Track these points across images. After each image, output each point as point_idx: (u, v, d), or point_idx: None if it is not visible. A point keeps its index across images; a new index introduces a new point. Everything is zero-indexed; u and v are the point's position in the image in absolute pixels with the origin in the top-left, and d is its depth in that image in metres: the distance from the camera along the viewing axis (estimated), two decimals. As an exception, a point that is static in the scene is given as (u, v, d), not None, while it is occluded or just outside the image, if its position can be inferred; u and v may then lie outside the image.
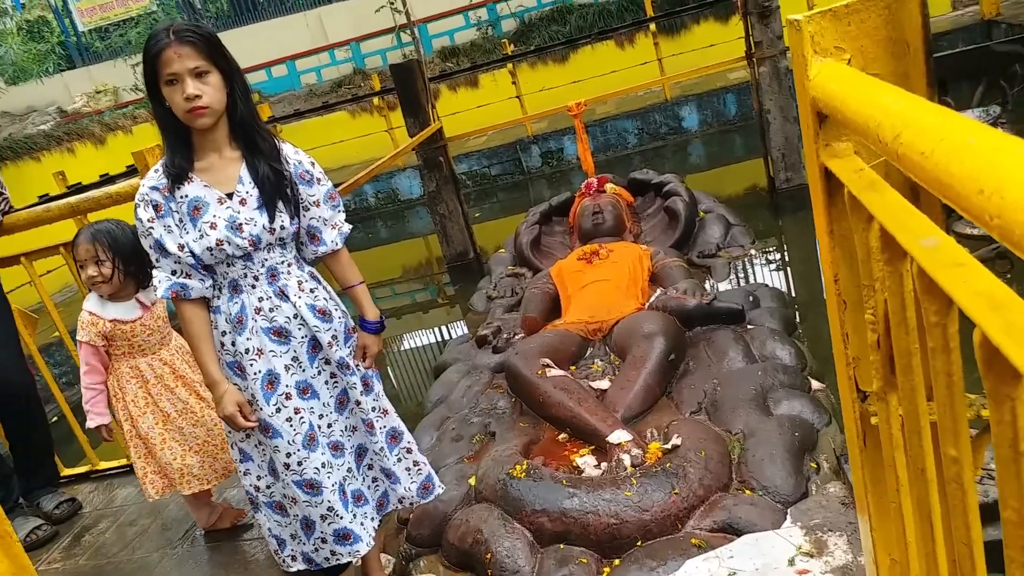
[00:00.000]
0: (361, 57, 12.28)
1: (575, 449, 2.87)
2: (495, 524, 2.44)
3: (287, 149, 1.93)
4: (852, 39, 1.03)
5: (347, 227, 2.02)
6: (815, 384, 3.13)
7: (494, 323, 4.29)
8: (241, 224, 1.82)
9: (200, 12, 12.71)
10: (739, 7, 5.79)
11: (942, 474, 0.87)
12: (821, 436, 2.73)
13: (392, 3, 10.70)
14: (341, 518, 1.95)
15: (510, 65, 9.46)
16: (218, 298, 1.90)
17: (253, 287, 1.88)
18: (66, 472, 3.01)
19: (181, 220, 1.83)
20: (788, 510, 2.30)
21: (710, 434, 2.68)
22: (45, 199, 4.34)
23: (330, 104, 10.06)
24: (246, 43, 12.16)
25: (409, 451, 2.13)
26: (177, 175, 1.82)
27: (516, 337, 4.00)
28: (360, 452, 2.07)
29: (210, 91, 1.75)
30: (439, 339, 5.88)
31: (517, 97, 9.20)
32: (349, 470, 2.02)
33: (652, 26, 9.35)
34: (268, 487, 2.00)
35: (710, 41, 9.33)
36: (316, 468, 1.91)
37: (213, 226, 1.81)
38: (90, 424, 2.26)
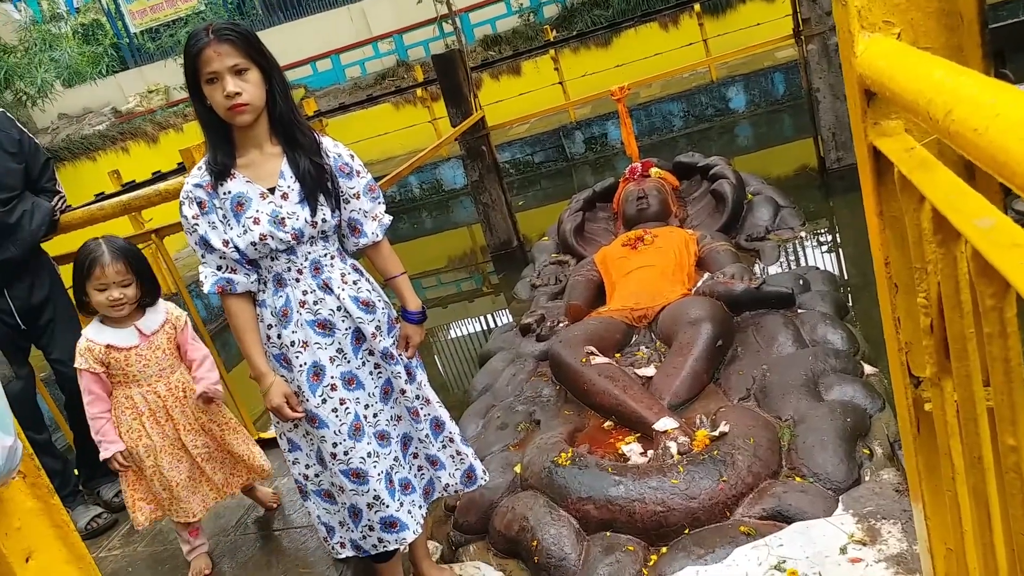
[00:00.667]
0: (404, 49, 12.32)
1: (621, 437, 2.85)
2: (541, 512, 2.44)
3: (327, 143, 1.94)
4: (902, 12, 0.99)
5: (387, 218, 2.03)
6: (868, 368, 3.05)
7: (538, 311, 4.29)
8: (284, 218, 1.84)
9: (246, 10, 12.91)
10: (786, -16, 5.63)
11: (1000, 462, 0.84)
12: (874, 421, 2.67)
13: (433, -7, 10.71)
14: (387, 506, 1.97)
15: (552, 51, 9.39)
16: (263, 292, 1.93)
17: (297, 280, 1.91)
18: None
19: (225, 216, 1.86)
20: (840, 497, 2.25)
21: (759, 420, 2.64)
22: (101, 197, 4.49)
23: (374, 97, 10.14)
24: (291, 39, 12.32)
25: (452, 440, 2.15)
26: (220, 172, 1.85)
27: (560, 325, 3.98)
28: (405, 441, 2.10)
29: (250, 88, 1.77)
30: (484, 328, 5.90)
31: (560, 83, 9.14)
32: (396, 459, 2.05)
33: (696, 7, 9.17)
34: (316, 476, 2.03)
35: (756, 20, 9.12)
36: (362, 458, 1.94)
37: (256, 221, 1.84)
38: (104, 455, 2.16)
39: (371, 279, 2.04)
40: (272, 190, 1.86)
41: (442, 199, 10.05)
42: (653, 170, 5.35)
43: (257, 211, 1.85)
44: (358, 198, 1.95)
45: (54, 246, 2.83)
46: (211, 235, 1.86)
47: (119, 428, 2.18)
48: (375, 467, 1.96)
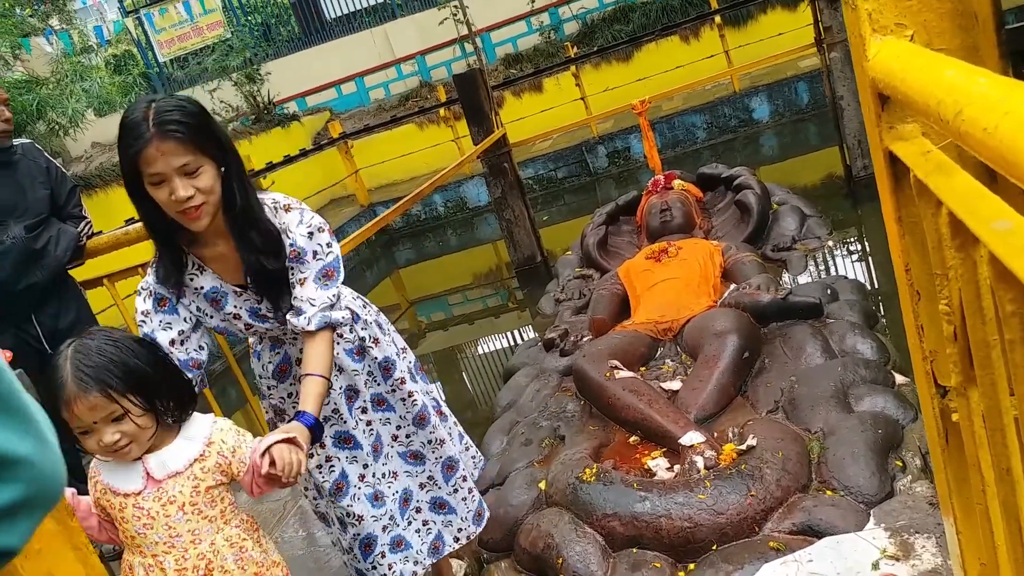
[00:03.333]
0: (427, 70, 12.45)
1: (646, 452, 2.82)
2: (566, 528, 2.41)
3: (290, 220, 1.69)
4: (914, 14, 0.97)
5: (337, 314, 1.71)
6: (899, 378, 2.99)
7: (562, 326, 4.27)
8: (263, 313, 1.75)
9: (272, 37, 13.14)
10: (806, -8, 5.60)
11: (1028, 474, 0.81)
12: (907, 433, 2.60)
13: (455, 15, 10.82)
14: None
15: (573, 67, 9.42)
16: (259, 345, 1.87)
17: (295, 340, 1.84)
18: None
19: (199, 308, 1.72)
20: (871, 511, 2.20)
21: (788, 433, 2.59)
22: (131, 222, 4.57)
23: (398, 118, 10.25)
24: (316, 63, 12.52)
25: (465, 479, 2.09)
26: (175, 282, 1.66)
27: (584, 339, 3.96)
28: (406, 497, 2.02)
29: (203, 187, 1.54)
30: (510, 343, 5.89)
31: (581, 99, 9.16)
32: (391, 518, 1.98)
33: (717, 18, 9.16)
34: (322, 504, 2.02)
35: (778, 29, 9.07)
36: (347, 506, 1.91)
37: (237, 316, 1.74)
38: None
39: (369, 320, 1.94)
40: (245, 287, 1.73)
41: (466, 217, 10.09)
42: (676, 182, 5.32)
43: (235, 306, 1.73)
44: (303, 284, 1.69)
45: (81, 272, 2.88)
46: (159, 335, 1.66)
47: None
48: (355, 527, 1.92)
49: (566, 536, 2.38)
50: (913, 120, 1.00)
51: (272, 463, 1.43)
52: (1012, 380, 0.77)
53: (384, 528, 1.96)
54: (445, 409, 2.14)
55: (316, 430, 1.59)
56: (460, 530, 2.10)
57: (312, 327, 1.68)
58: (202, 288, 1.69)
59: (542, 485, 2.71)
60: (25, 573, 1.07)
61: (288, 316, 1.72)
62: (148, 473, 1.43)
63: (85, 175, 7.95)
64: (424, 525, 2.05)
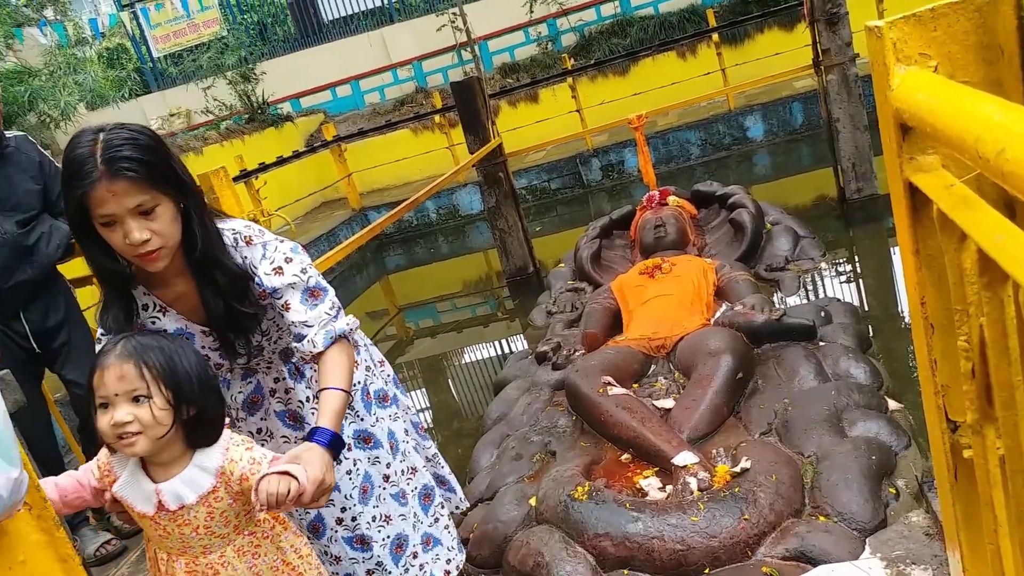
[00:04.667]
0: (423, 75, 12.44)
1: (638, 470, 2.79)
2: (556, 547, 2.38)
3: (253, 255, 1.58)
4: (939, 45, 0.96)
5: (342, 323, 1.62)
6: (892, 404, 2.98)
7: (554, 339, 4.24)
8: (236, 350, 1.66)
9: (268, 36, 13.09)
10: (805, 14, 5.63)
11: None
12: (900, 459, 2.59)
13: (453, 22, 10.82)
14: None
15: (570, 79, 9.43)
16: (230, 374, 1.76)
17: (268, 368, 1.77)
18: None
19: None
20: (867, 540, 2.18)
21: (781, 456, 2.58)
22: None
23: (393, 122, 10.21)
24: (312, 64, 12.48)
25: (443, 506, 2.01)
26: (120, 331, 1.50)
27: (576, 353, 3.94)
28: (399, 543, 1.90)
29: (160, 228, 1.41)
30: (499, 354, 5.86)
31: (577, 111, 9.17)
32: (379, 563, 1.86)
33: (715, 36, 9.20)
34: None
35: (775, 50, 9.13)
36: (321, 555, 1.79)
37: (208, 357, 1.62)
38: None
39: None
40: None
41: (458, 224, 10.07)
42: (671, 198, 5.32)
43: (203, 346, 1.63)
44: (288, 308, 1.59)
45: (70, 269, 2.83)
46: None
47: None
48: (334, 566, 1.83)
49: (556, 555, 2.35)
50: (934, 152, 0.99)
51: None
52: (1039, 423, 0.75)
53: (368, 572, 1.86)
54: (417, 435, 2.04)
55: (336, 446, 1.47)
56: (448, 561, 2.02)
57: (320, 348, 1.57)
58: (165, 332, 1.57)
59: (532, 501, 2.68)
60: (9, 587, 1.03)
61: (293, 346, 1.63)
62: (160, 502, 1.39)
63: (75, 169, 7.88)
64: (421, 569, 1.94)
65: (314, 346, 1.57)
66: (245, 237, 1.57)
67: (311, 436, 1.47)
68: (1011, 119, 0.65)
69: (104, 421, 1.34)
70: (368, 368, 1.92)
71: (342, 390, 1.54)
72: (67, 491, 1.42)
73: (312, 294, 1.60)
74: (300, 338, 1.59)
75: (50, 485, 1.41)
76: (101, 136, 1.36)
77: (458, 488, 2.15)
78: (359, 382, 1.85)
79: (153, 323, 1.57)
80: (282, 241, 1.62)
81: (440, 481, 2.06)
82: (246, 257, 1.56)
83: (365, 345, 1.95)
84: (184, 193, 1.46)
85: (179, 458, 1.41)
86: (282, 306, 1.59)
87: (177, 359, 1.37)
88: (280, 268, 1.57)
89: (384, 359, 2.02)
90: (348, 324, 1.63)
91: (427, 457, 2.04)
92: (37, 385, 2.76)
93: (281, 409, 1.75)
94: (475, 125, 6.28)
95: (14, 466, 1.01)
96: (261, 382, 1.77)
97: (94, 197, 1.34)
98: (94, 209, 1.36)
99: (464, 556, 2.09)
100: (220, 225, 1.57)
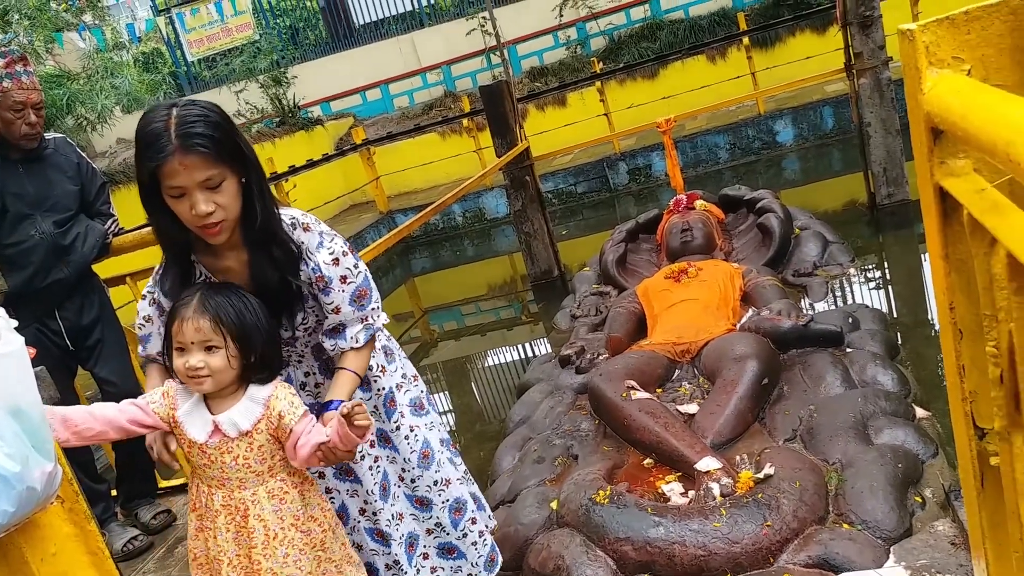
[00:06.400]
0: (452, 79, 12.50)
1: (661, 475, 2.78)
2: (577, 551, 2.38)
3: (310, 242, 1.64)
4: (972, 48, 0.95)
5: (380, 319, 1.73)
6: (920, 412, 2.94)
7: (578, 343, 4.24)
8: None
9: (300, 41, 13.25)
10: (838, 18, 5.57)
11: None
12: (927, 468, 2.56)
13: (483, 26, 10.86)
14: None
15: (598, 83, 9.42)
16: None
17: (300, 361, 1.81)
18: (163, 484, 3.13)
19: None
20: (891, 548, 2.15)
21: (805, 463, 2.55)
22: (153, 219, 4.59)
23: (421, 126, 10.28)
24: (343, 68, 12.59)
25: (474, 521, 2.00)
26: (175, 296, 1.59)
27: (600, 357, 3.93)
28: (412, 541, 1.93)
29: (225, 202, 1.49)
30: (523, 357, 5.86)
31: (605, 115, 9.15)
32: (396, 562, 1.89)
33: (745, 40, 9.13)
34: None
35: (806, 53, 9.04)
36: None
37: None
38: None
39: (379, 344, 1.88)
40: None
41: (484, 227, 10.10)
42: (698, 202, 5.29)
43: None
44: (338, 312, 1.67)
45: (104, 269, 2.89)
46: (154, 339, 1.67)
47: (204, 522, 1.61)
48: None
49: (577, 558, 2.35)
50: (966, 156, 0.98)
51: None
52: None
53: (387, 567, 1.89)
54: (450, 451, 2.05)
55: None
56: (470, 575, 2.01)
57: (361, 343, 1.69)
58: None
59: (554, 505, 2.68)
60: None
61: (325, 341, 1.71)
62: (218, 428, 1.54)
63: (109, 171, 8.03)
64: (432, 572, 1.96)
65: (356, 342, 1.68)
66: (303, 224, 1.66)
67: (327, 407, 1.60)
68: (1041, 122, 0.64)
69: (180, 362, 1.51)
70: (403, 376, 1.94)
71: (357, 375, 1.69)
72: (76, 422, 1.45)
73: (360, 295, 1.69)
74: (340, 331, 1.68)
75: (56, 415, 1.41)
76: (175, 112, 1.44)
77: (487, 507, 2.14)
78: (384, 388, 1.88)
79: None
80: (334, 236, 1.70)
81: (473, 499, 2.07)
82: (303, 242, 1.64)
83: (399, 356, 1.98)
84: (247, 169, 1.54)
85: (235, 393, 1.58)
86: (332, 309, 1.67)
87: (246, 312, 1.54)
88: (337, 260, 1.66)
89: (417, 374, 2.02)
90: (384, 321, 1.76)
91: (458, 477, 2.04)
92: (71, 382, 2.82)
93: (311, 402, 1.76)
94: (503, 129, 6.30)
95: (49, 460, 1.04)
96: (292, 375, 1.79)
97: (167, 169, 1.42)
98: (165, 180, 1.44)
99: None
100: (278, 211, 1.66)
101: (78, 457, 2.68)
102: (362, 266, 1.72)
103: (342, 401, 1.61)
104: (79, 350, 2.75)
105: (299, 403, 1.59)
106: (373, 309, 1.72)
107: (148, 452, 1.62)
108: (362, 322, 1.70)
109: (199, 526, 1.62)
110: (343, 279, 1.66)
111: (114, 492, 2.93)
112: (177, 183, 1.44)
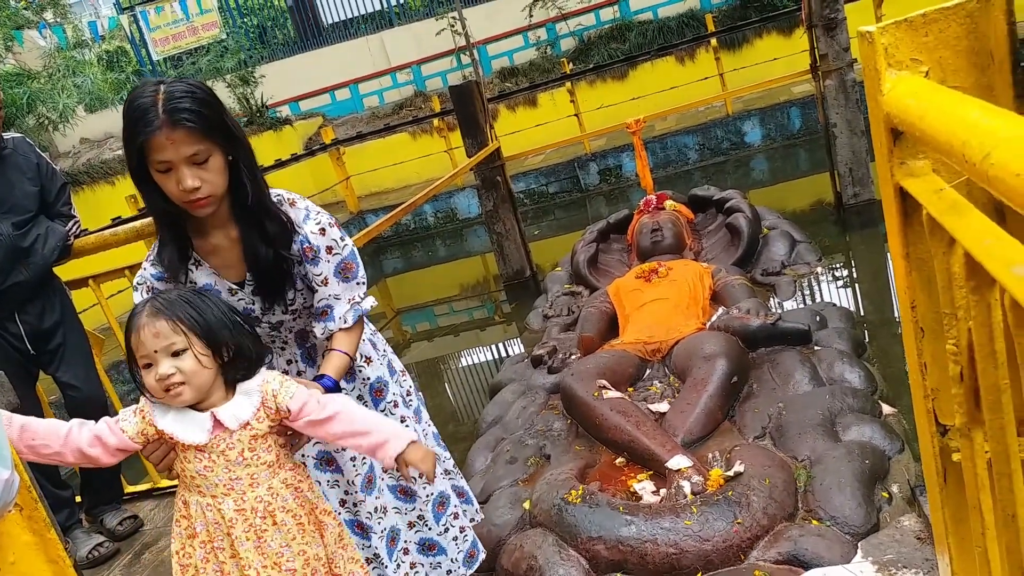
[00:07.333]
0: (422, 79, 12.44)
1: (633, 474, 2.80)
2: (550, 551, 2.38)
3: (296, 216, 1.68)
4: (930, 50, 0.96)
5: (367, 302, 1.76)
6: (886, 408, 2.99)
7: (550, 343, 4.25)
8: (258, 316, 1.71)
9: (268, 39, 13.10)
10: (803, 20, 5.65)
11: (1037, 522, 0.80)
12: (893, 464, 2.60)
13: (452, 26, 10.83)
14: None
15: (568, 83, 9.45)
16: None
17: (283, 348, 1.81)
18: (129, 489, 3.07)
19: None
20: (859, 543, 2.19)
21: (775, 460, 2.58)
22: (118, 221, 4.51)
23: (391, 126, 10.22)
24: (311, 67, 12.47)
25: (456, 516, 2.01)
26: (177, 273, 1.63)
27: (572, 357, 3.94)
28: (393, 536, 1.92)
29: (211, 177, 1.51)
30: (496, 357, 5.86)
31: (575, 115, 9.18)
32: (376, 555, 1.88)
33: (713, 41, 9.22)
34: None
35: (773, 55, 9.15)
36: None
37: None
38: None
39: (364, 336, 1.86)
40: (241, 284, 1.68)
41: (456, 227, 10.07)
42: (668, 203, 5.33)
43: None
44: (326, 283, 1.69)
45: (66, 271, 2.83)
46: None
47: (195, 536, 1.48)
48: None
49: (550, 558, 2.35)
50: (925, 156, 1.00)
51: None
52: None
53: (367, 560, 1.88)
54: (440, 444, 2.06)
55: (334, 392, 1.62)
56: (449, 572, 2.00)
57: (348, 324, 1.71)
58: (195, 283, 1.67)
59: (526, 505, 2.68)
60: (-2, 587, 1.03)
61: (318, 324, 1.73)
62: (217, 421, 1.44)
63: (72, 171, 7.87)
64: (412, 568, 1.95)
65: (345, 323, 1.71)
66: (289, 199, 1.70)
67: (318, 380, 1.64)
68: (997, 123, 0.65)
69: (150, 378, 1.40)
70: (390, 368, 1.95)
71: (349, 356, 1.72)
72: (36, 433, 1.38)
73: (346, 268, 1.71)
74: (328, 313, 1.70)
75: (14, 423, 1.35)
76: (162, 88, 1.46)
77: (474, 500, 2.15)
78: (369, 377, 1.89)
79: (188, 273, 1.66)
80: (320, 211, 1.73)
81: (458, 493, 2.06)
82: (290, 217, 1.67)
83: (386, 350, 1.99)
84: (235, 146, 1.56)
85: (223, 398, 1.48)
86: (320, 281, 1.68)
87: (205, 307, 1.45)
88: (324, 230, 1.68)
89: (404, 369, 2.03)
90: (371, 304, 1.77)
91: (446, 470, 2.04)
92: (31, 387, 2.75)
93: None
94: (473, 129, 6.29)
95: (5, 467, 1.01)
96: (275, 363, 1.79)
97: (154, 143, 1.44)
98: (152, 155, 1.46)
99: (470, 572, 2.05)
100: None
101: (41, 464, 2.61)
102: (348, 241, 1.74)
103: (331, 377, 1.65)
104: (40, 354, 2.69)
105: (290, 380, 1.52)
106: (359, 284, 1.74)
107: None
108: (350, 302, 1.72)
109: (206, 554, 1.47)
110: (329, 249, 1.68)
111: (78, 498, 2.86)
112: (164, 157, 1.46)
